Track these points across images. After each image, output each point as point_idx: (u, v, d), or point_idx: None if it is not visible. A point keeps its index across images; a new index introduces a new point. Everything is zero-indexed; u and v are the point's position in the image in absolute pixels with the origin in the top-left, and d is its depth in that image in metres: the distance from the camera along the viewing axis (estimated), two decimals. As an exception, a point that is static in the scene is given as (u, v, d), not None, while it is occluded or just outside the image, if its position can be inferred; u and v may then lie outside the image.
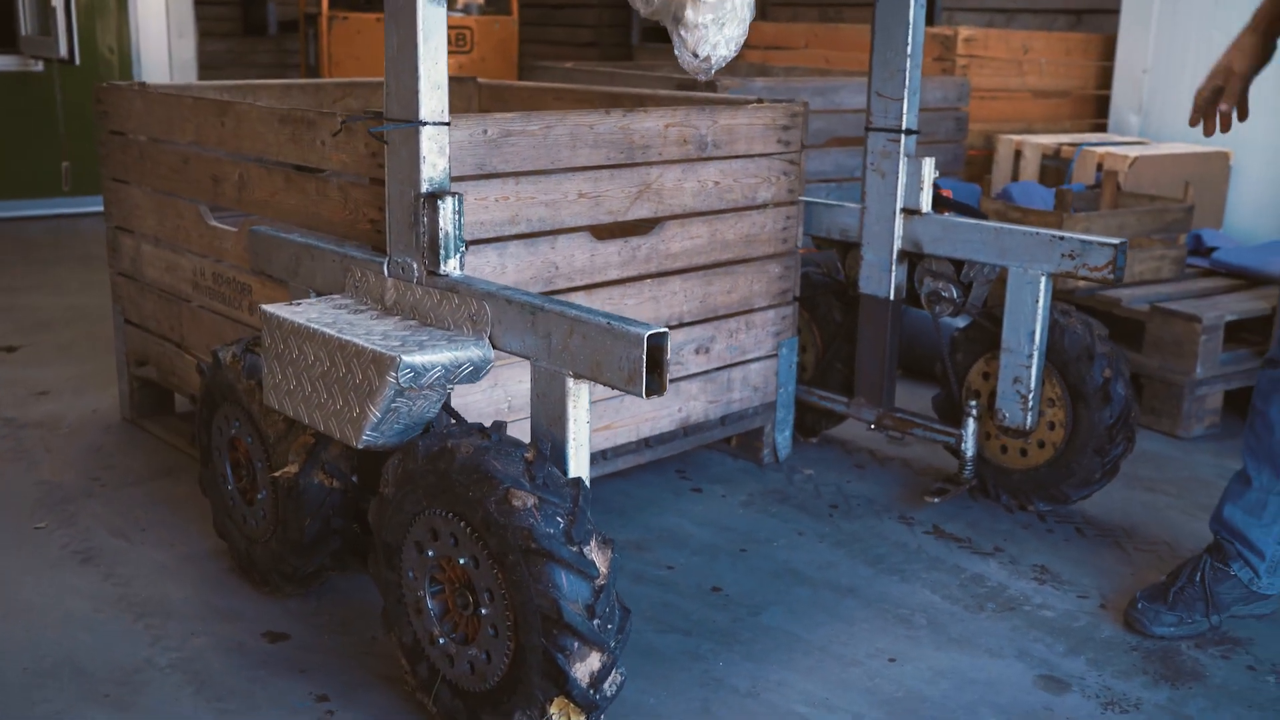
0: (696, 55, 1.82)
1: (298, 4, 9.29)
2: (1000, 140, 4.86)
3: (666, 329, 1.76)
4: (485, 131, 2.41)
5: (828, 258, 3.32)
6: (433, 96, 2.05)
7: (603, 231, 2.69)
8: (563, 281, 2.62)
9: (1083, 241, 2.69)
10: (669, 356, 1.77)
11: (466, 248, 2.11)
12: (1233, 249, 4.12)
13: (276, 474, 2.23)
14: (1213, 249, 4.19)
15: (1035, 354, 2.80)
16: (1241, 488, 2.40)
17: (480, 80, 3.92)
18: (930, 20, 6.89)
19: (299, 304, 2.21)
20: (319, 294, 2.38)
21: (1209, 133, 2.34)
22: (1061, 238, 2.72)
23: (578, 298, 2.65)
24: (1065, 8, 6.39)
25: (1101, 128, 5.50)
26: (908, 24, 2.89)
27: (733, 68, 5.62)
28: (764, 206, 2.99)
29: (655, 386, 1.76)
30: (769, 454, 3.21)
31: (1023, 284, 2.78)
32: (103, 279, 4.96)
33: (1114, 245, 2.64)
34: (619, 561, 1.82)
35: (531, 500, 1.76)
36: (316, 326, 2.06)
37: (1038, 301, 2.77)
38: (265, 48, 10.93)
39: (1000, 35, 5.17)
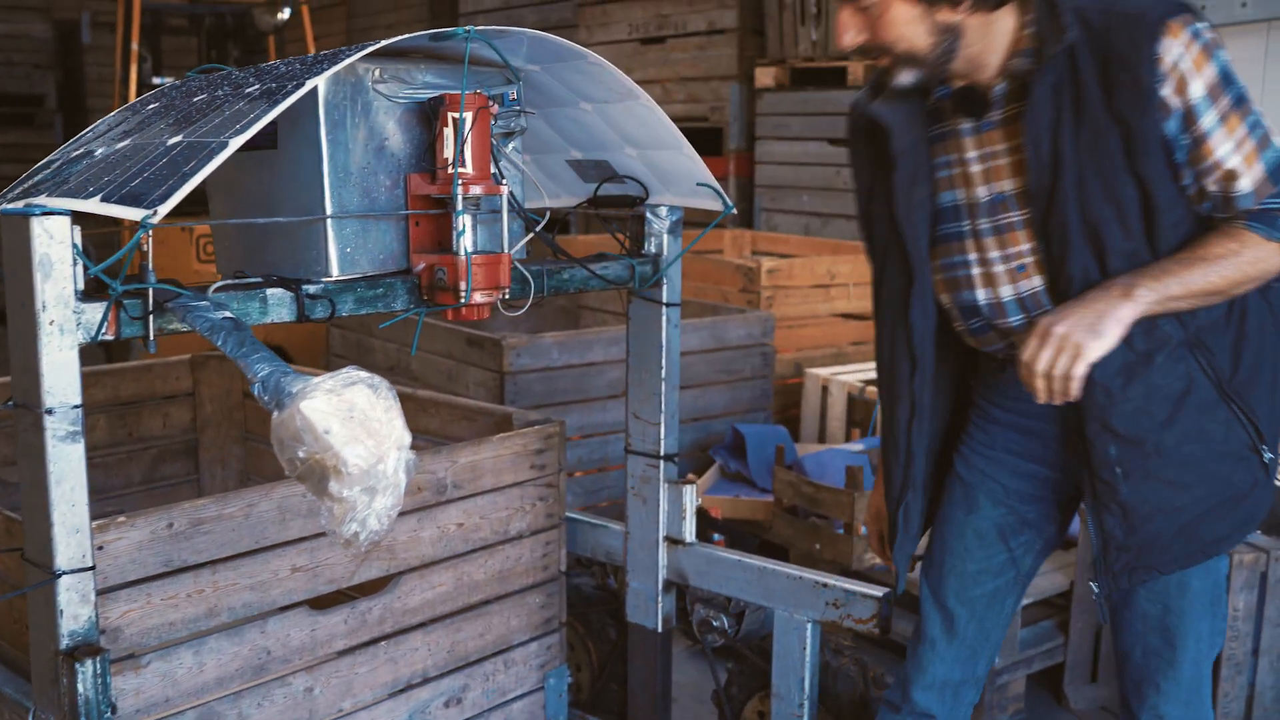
0: (342, 531, 1.60)
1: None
2: (808, 375, 4.77)
3: None
4: (170, 526, 2.15)
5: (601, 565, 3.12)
6: (70, 543, 1.80)
7: (325, 600, 2.45)
8: (278, 666, 2.36)
9: (847, 591, 2.52)
10: None
11: (114, 710, 1.84)
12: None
13: None
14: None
15: (806, 702, 2.61)
16: None
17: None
18: (749, 223, 6.86)
19: (-70, 763, 1.92)
20: (-25, 721, 2.09)
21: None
22: (826, 584, 2.55)
23: (299, 679, 2.39)
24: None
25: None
26: (661, 346, 2.74)
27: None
28: (519, 538, 2.78)
29: None
30: (541, 792, 2.96)
31: (789, 629, 2.60)
32: None
33: (877, 598, 2.48)
34: None
35: None
36: (-69, 817, 1.77)
37: (805, 648, 2.59)
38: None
39: (805, 263, 5.11)
